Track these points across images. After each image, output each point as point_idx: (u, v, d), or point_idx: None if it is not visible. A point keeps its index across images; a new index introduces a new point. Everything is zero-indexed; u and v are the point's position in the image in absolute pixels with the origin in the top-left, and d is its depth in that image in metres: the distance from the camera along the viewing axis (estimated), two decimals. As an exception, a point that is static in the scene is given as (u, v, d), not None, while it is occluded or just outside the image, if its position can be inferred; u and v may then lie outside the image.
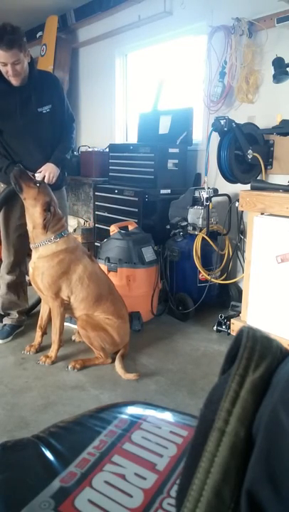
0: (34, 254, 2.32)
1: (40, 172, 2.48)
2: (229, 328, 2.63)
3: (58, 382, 2.20)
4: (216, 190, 3.06)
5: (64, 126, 2.59)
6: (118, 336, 2.33)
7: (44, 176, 2.47)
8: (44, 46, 4.73)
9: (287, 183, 2.35)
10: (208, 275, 2.95)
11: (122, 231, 2.97)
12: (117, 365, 2.27)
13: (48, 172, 2.49)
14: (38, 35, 5.08)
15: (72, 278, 2.29)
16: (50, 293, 2.28)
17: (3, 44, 2.20)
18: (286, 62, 2.62)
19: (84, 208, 4.35)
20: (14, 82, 2.34)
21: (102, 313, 2.33)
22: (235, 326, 2.55)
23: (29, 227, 2.30)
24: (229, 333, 2.65)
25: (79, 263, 2.31)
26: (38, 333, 2.51)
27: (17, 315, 2.74)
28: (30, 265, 2.35)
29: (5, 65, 2.27)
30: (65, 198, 2.80)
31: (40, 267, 2.28)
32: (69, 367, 2.31)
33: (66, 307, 2.35)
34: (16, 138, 2.47)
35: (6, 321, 2.74)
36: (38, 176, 2.46)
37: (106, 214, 3.68)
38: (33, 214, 2.25)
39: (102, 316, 2.33)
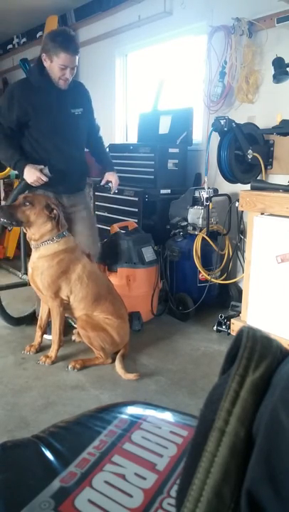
0: (34, 254, 2.32)
1: (109, 182, 2.70)
2: (229, 328, 2.63)
3: (58, 382, 2.20)
4: (216, 190, 3.06)
5: (91, 133, 2.69)
6: (118, 335, 2.33)
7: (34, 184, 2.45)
8: (44, 46, 4.72)
9: (287, 183, 2.35)
10: (208, 275, 2.95)
11: (122, 231, 2.97)
12: (117, 365, 2.27)
13: (114, 180, 2.71)
14: (38, 35, 5.09)
15: (72, 277, 2.29)
16: (50, 292, 2.28)
17: (71, 49, 2.31)
18: (286, 62, 2.62)
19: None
20: (63, 84, 2.40)
21: (102, 313, 2.33)
22: (235, 326, 2.55)
23: (30, 235, 2.30)
24: (229, 333, 2.65)
25: (78, 263, 2.32)
26: (38, 333, 2.51)
27: None
28: (30, 265, 2.35)
29: (64, 68, 2.33)
30: (89, 198, 2.86)
31: (39, 267, 2.28)
32: (69, 367, 2.31)
33: (66, 307, 2.35)
34: (47, 135, 2.46)
35: None
36: (108, 186, 2.70)
37: (106, 214, 3.68)
38: (40, 224, 2.26)
39: (101, 316, 2.33)
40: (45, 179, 2.42)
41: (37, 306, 2.67)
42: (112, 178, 2.71)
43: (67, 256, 2.29)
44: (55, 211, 2.27)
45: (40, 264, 2.28)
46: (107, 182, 2.73)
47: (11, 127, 2.43)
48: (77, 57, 2.37)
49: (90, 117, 2.64)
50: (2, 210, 2.26)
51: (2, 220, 2.24)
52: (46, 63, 2.35)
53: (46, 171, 2.42)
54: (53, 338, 2.39)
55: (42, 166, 2.42)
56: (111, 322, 2.33)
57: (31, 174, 2.40)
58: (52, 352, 2.38)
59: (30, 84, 2.42)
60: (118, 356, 2.32)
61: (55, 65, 2.32)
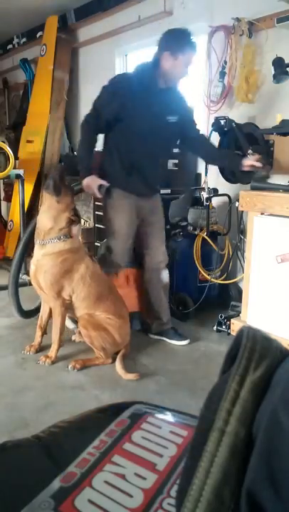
0: (39, 251, 2.30)
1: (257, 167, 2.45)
2: (229, 328, 2.63)
3: (58, 382, 2.20)
4: (216, 190, 3.06)
5: (190, 137, 2.62)
6: (119, 336, 2.33)
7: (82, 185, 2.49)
8: (44, 46, 4.73)
9: (287, 183, 2.35)
10: (208, 275, 2.95)
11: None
12: (118, 365, 2.27)
13: (257, 158, 2.47)
14: (38, 35, 5.09)
15: (75, 277, 2.29)
16: (52, 292, 2.28)
17: (194, 46, 2.36)
18: (286, 62, 2.62)
19: (84, 207, 4.35)
20: (179, 83, 2.45)
21: (104, 313, 2.33)
22: (235, 326, 2.55)
23: (44, 223, 2.29)
24: (229, 333, 2.65)
25: (82, 262, 2.32)
26: (38, 333, 2.51)
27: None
28: (33, 263, 2.34)
29: (187, 66, 2.36)
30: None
31: (44, 265, 2.27)
32: (69, 367, 2.31)
33: (67, 307, 2.35)
34: (140, 138, 2.41)
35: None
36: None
37: (106, 214, 3.68)
38: (58, 216, 2.27)
39: (103, 315, 2.33)
40: (99, 196, 2.46)
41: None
42: (254, 159, 2.46)
43: (71, 256, 2.29)
44: (77, 216, 2.34)
45: (44, 262, 2.27)
46: (255, 169, 2.47)
47: (107, 118, 2.40)
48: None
49: (184, 125, 2.55)
50: (61, 171, 2.34)
51: (50, 185, 2.27)
52: (167, 62, 2.32)
53: (103, 190, 2.43)
54: (53, 337, 2.39)
55: (104, 182, 2.42)
56: (112, 322, 2.33)
57: (89, 186, 2.43)
58: (52, 352, 2.38)
59: (135, 82, 2.37)
60: (119, 356, 2.32)
61: (179, 63, 2.31)
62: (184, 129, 2.55)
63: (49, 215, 2.27)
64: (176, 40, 2.31)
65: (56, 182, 2.27)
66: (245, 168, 2.48)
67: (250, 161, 2.46)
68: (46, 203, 2.31)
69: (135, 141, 2.42)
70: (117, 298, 2.45)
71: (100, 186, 2.43)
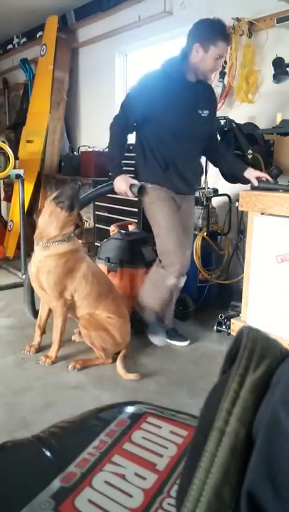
0: (41, 253, 2.28)
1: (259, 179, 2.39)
2: (229, 328, 2.63)
3: (58, 382, 2.20)
4: (216, 190, 3.06)
5: (213, 137, 2.57)
6: (120, 335, 2.33)
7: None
8: (44, 46, 4.73)
9: (287, 183, 2.35)
10: (208, 275, 2.95)
11: (122, 231, 2.97)
12: (119, 365, 2.27)
13: (259, 174, 2.42)
14: (38, 35, 5.09)
15: (77, 276, 2.29)
16: (55, 292, 2.27)
17: (227, 38, 2.26)
18: (286, 62, 2.63)
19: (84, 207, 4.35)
20: (209, 77, 2.40)
21: (104, 312, 2.33)
22: (235, 326, 2.55)
23: (50, 231, 2.26)
24: (229, 333, 2.65)
25: (83, 261, 2.34)
26: (37, 332, 2.51)
27: None
28: (34, 264, 2.33)
29: (219, 58, 2.26)
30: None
31: (46, 266, 2.26)
32: (69, 367, 2.31)
33: (69, 307, 2.35)
34: (172, 133, 2.33)
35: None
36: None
37: (106, 214, 3.68)
38: (64, 226, 2.27)
39: (103, 314, 2.33)
40: (130, 196, 2.40)
41: None
42: (256, 174, 2.43)
43: (73, 256, 2.30)
44: (81, 221, 2.38)
45: (47, 263, 2.26)
46: (259, 180, 2.42)
47: (135, 120, 2.36)
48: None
49: (212, 121, 2.51)
50: (78, 190, 2.32)
51: (66, 205, 2.25)
52: (198, 54, 2.22)
53: (135, 189, 2.35)
54: (54, 338, 2.39)
55: (135, 182, 2.36)
56: (113, 321, 2.33)
57: (120, 186, 2.37)
58: (52, 352, 2.38)
59: (163, 77, 2.29)
60: (120, 356, 2.32)
61: (210, 55, 2.21)
62: (212, 124, 2.51)
63: (56, 225, 2.25)
64: (208, 31, 2.18)
65: (72, 202, 2.26)
66: (252, 180, 2.41)
67: (256, 173, 2.43)
68: (54, 215, 2.26)
69: (167, 137, 2.34)
70: (117, 297, 2.45)
71: (132, 186, 2.36)
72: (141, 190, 2.37)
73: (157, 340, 2.57)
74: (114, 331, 2.32)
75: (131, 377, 2.22)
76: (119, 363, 2.29)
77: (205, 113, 2.37)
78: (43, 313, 2.50)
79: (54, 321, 2.37)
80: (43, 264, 2.27)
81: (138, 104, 2.32)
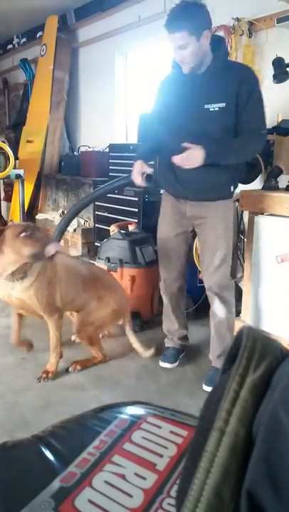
0: (18, 287, 2.05)
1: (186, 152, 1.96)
2: (229, 328, 2.62)
3: (58, 382, 2.20)
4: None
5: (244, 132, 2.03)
6: (115, 303, 2.32)
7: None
8: (44, 46, 4.73)
9: (287, 183, 2.35)
10: (208, 275, 2.94)
11: (122, 231, 2.97)
12: (134, 342, 2.28)
13: (187, 156, 1.96)
14: (38, 35, 5.09)
15: (58, 279, 2.21)
16: (48, 307, 2.14)
17: (167, 25, 1.89)
18: (286, 62, 2.62)
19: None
20: (184, 69, 1.99)
21: (94, 299, 2.31)
22: (236, 326, 2.55)
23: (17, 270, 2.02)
24: (229, 333, 2.65)
25: (56, 265, 2.19)
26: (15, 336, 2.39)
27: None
28: (13, 297, 2.10)
29: (176, 49, 1.93)
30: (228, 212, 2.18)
31: (28, 296, 2.08)
32: (70, 369, 2.30)
33: (61, 315, 2.26)
34: (173, 133, 2.09)
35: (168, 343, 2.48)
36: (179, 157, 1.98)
37: (106, 214, 3.68)
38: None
39: (94, 303, 2.30)
40: (143, 185, 2.18)
41: None
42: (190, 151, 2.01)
43: (47, 270, 2.13)
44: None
45: (27, 294, 2.07)
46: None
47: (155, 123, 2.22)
48: (180, 35, 1.87)
49: (230, 115, 2.00)
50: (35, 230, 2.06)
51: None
52: (208, 41, 1.94)
53: (143, 177, 2.15)
54: (52, 349, 2.25)
55: (148, 170, 2.15)
56: (106, 299, 2.31)
57: (135, 173, 2.17)
58: (52, 366, 2.24)
59: (172, 75, 2.14)
60: (127, 332, 2.30)
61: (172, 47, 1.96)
62: (226, 122, 2.02)
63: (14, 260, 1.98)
64: (208, 14, 1.92)
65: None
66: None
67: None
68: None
69: (167, 136, 2.14)
70: (103, 279, 2.42)
71: (143, 174, 2.16)
72: (149, 179, 2.19)
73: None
74: (110, 305, 2.29)
75: (150, 352, 2.22)
76: (132, 339, 2.26)
77: (216, 107, 1.99)
78: (14, 326, 2.36)
79: (50, 335, 2.24)
80: (23, 296, 2.08)
81: (156, 108, 2.25)
